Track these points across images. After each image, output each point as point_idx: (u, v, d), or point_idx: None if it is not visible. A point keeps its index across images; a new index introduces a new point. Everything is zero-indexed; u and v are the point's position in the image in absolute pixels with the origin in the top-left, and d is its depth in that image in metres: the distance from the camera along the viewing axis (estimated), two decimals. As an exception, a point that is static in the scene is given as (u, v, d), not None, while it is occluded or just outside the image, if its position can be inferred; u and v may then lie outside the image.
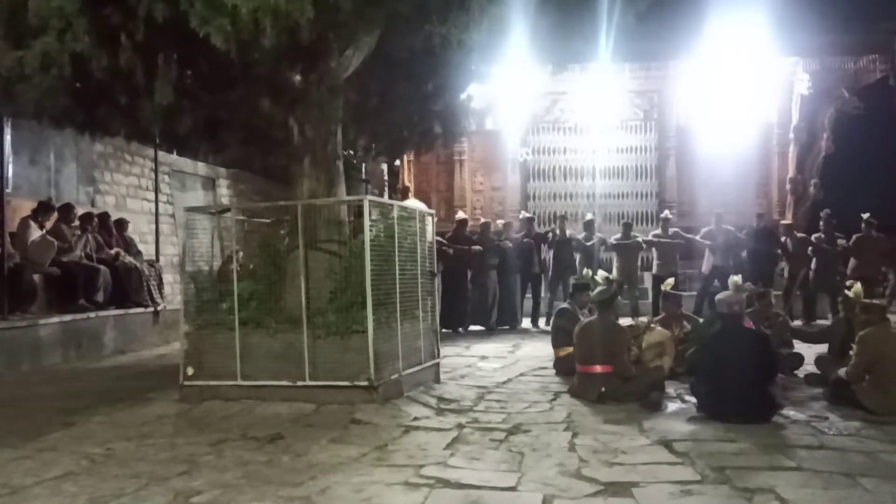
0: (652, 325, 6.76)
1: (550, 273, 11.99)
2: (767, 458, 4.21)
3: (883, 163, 15.11)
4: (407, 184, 15.68)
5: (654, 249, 12.00)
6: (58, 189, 9.84)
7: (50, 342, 8.09)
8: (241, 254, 6.27)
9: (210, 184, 13.50)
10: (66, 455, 4.37)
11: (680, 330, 7.14)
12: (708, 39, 12.61)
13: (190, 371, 5.77)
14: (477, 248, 11.10)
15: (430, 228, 6.69)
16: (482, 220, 12.76)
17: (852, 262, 11.61)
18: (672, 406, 5.68)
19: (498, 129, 15.10)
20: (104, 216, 10.06)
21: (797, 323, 10.50)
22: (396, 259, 5.87)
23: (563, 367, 6.95)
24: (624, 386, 5.78)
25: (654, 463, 4.11)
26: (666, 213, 12.85)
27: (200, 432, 4.89)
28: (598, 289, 6.25)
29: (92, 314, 8.78)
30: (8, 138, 8.51)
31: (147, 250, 10.99)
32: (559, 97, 15.53)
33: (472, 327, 11.39)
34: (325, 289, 5.84)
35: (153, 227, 11.42)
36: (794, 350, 7.21)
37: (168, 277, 11.02)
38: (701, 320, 7.54)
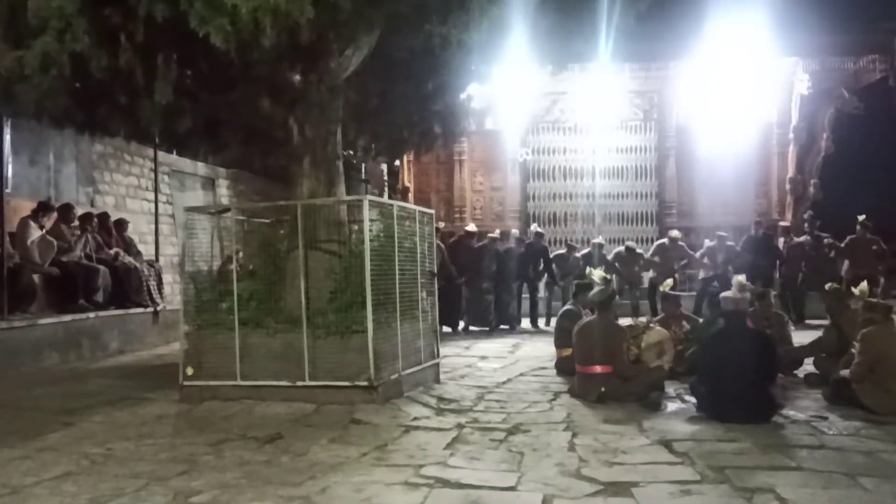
0: (651, 325, 6.76)
1: (546, 278, 12.02)
2: (767, 458, 4.21)
3: (883, 163, 15.08)
4: (407, 184, 15.70)
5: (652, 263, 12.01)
6: (57, 189, 9.83)
7: (49, 342, 8.08)
8: (240, 254, 6.27)
9: (210, 184, 13.49)
10: (65, 455, 4.37)
11: (679, 330, 7.15)
12: (708, 40, 12.62)
13: (190, 371, 5.77)
14: (461, 280, 11.05)
15: (429, 229, 6.69)
16: (483, 230, 12.72)
17: (847, 263, 11.72)
18: (672, 406, 5.68)
19: (498, 129, 15.11)
20: (104, 216, 10.05)
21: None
22: (396, 259, 5.87)
23: (564, 367, 6.95)
24: (624, 386, 5.78)
25: (653, 463, 4.11)
26: (672, 233, 12.45)
27: (200, 432, 4.89)
28: (597, 289, 6.25)
29: (91, 314, 8.77)
30: (8, 138, 8.50)
31: (147, 250, 10.98)
32: (559, 97, 15.53)
33: (472, 327, 11.40)
34: (325, 289, 5.84)
35: (153, 227, 11.41)
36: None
37: (168, 277, 11.01)
38: (701, 320, 7.55)
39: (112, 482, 3.83)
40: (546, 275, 11.97)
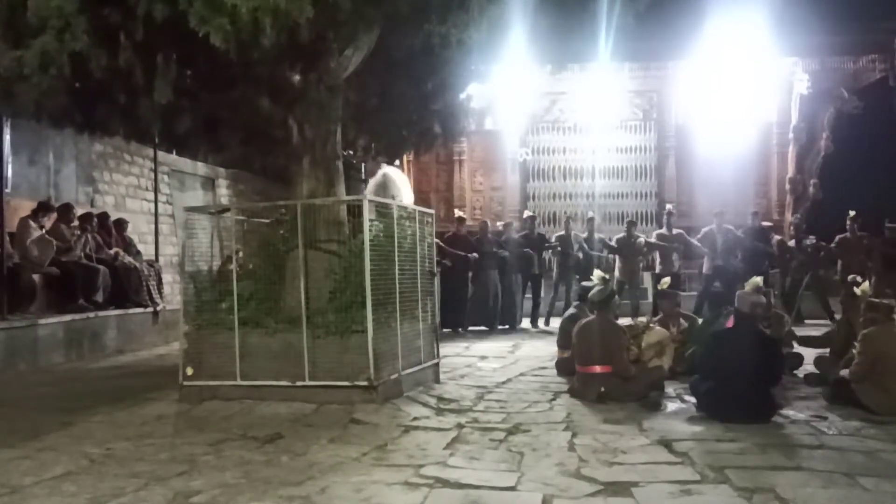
0: (651, 325, 6.76)
1: (555, 274, 12.03)
2: (767, 457, 4.21)
3: (882, 162, 15.08)
4: (406, 184, 15.69)
5: (656, 251, 12.04)
6: (57, 189, 9.83)
7: (49, 342, 8.09)
8: (240, 254, 6.27)
9: (209, 184, 13.50)
10: (65, 455, 4.37)
11: (677, 329, 7.14)
12: (707, 39, 12.62)
13: (189, 371, 5.77)
14: (474, 255, 11.15)
15: (428, 229, 6.69)
16: (482, 219, 12.81)
17: (840, 262, 11.84)
18: (672, 406, 5.68)
19: (497, 128, 15.11)
20: (103, 216, 10.06)
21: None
22: (396, 259, 5.86)
23: (564, 367, 6.95)
24: (623, 386, 5.78)
25: (653, 463, 4.11)
26: (669, 207, 12.87)
27: (200, 432, 4.89)
28: (596, 289, 6.25)
29: (91, 314, 8.78)
30: (7, 138, 8.50)
31: (146, 250, 10.98)
32: (559, 97, 15.53)
33: (472, 327, 11.40)
34: (325, 288, 5.83)
35: (152, 227, 11.42)
36: (794, 350, 7.21)
37: (168, 277, 11.02)
38: (700, 320, 7.55)
39: (112, 482, 3.82)
40: (554, 269, 11.97)
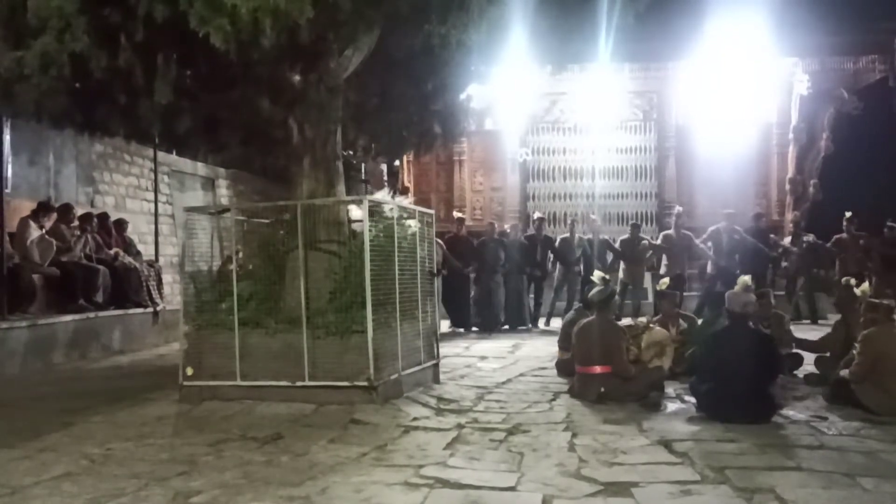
0: (651, 325, 6.76)
1: (557, 275, 12.05)
2: (767, 458, 4.21)
3: (882, 163, 15.10)
4: (406, 184, 15.70)
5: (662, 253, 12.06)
6: (57, 189, 9.84)
7: (49, 342, 8.09)
8: (240, 254, 6.27)
9: (209, 184, 13.50)
10: (65, 455, 4.37)
11: (677, 329, 7.14)
12: (707, 40, 12.63)
13: (189, 371, 5.77)
14: (470, 270, 11.17)
15: (429, 229, 6.69)
16: (489, 222, 12.82)
17: (838, 262, 11.90)
18: (671, 406, 5.68)
19: (497, 129, 15.10)
20: (103, 216, 10.06)
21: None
22: (396, 259, 5.86)
23: (564, 367, 6.95)
24: (623, 386, 5.78)
25: (653, 463, 4.11)
26: (678, 209, 12.85)
27: (200, 432, 4.89)
28: (596, 289, 6.25)
29: (91, 314, 8.78)
30: (7, 138, 8.51)
31: (146, 250, 10.99)
32: (559, 97, 15.53)
33: (474, 328, 11.42)
34: (325, 289, 5.83)
35: (152, 227, 11.42)
36: (794, 350, 7.21)
37: (168, 277, 11.02)
38: (700, 320, 7.54)
39: (112, 482, 3.83)
40: (559, 268, 12.01)
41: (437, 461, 4.15)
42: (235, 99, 6.33)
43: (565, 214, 15.36)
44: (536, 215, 12.82)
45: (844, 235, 11.87)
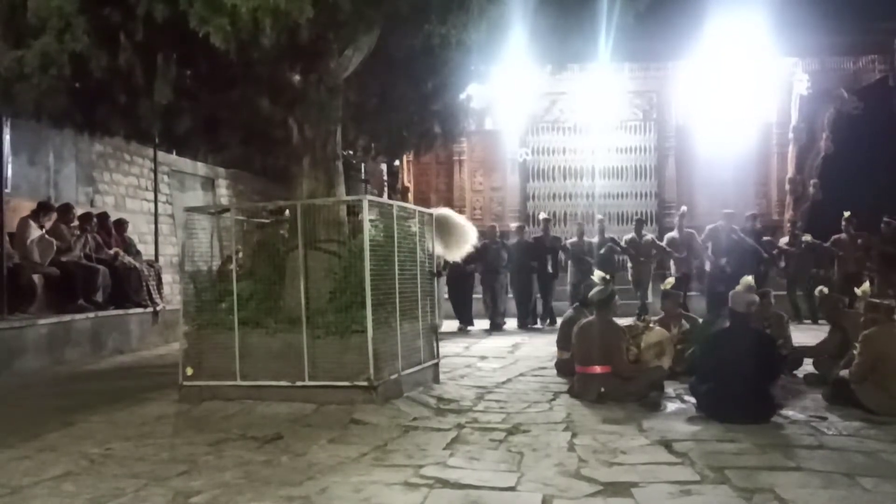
0: (651, 325, 6.76)
1: (570, 277, 12.05)
2: (767, 458, 4.21)
3: (882, 162, 15.07)
4: (406, 184, 15.71)
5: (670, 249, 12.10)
6: (57, 189, 9.83)
7: (49, 342, 8.09)
8: (240, 254, 6.27)
9: (209, 184, 13.50)
10: (65, 455, 4.37)
11: (679, 330, 7.14)
12: (707, 39, 12.62)
13: (189, 371, 5.77)
14: (472, 267, 11.17)
15: (428, 229, 6.69)
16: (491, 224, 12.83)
17: (836, 262, 11.93)
18: (671, 406, 5.68)
19: (497, 129, 15.11)
20: (103, 216, 10.06)
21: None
22: (396, 259, 5.86)
23: (564, 367, 6.95)
24: (623, 386, 5.78)
25: (653, 463, 4.11)
26: (683, 209, 12.88)
27: (200, 432, 4.89)
28: (596, 289, 6.25)
29: (91, 314, 8.78)
30: (7, 138, 8.51)
31: (146, 250, 10.99)
32: (558, 97, 15.53)
33: (472, 327, 11.43)
34: (325, 289, 5.83)
35: (152, 227, 11.42)
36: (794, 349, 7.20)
37: (167, 277, 11.02)
38: (701, 320, 7.54)
39: (112, 482, 3.83)
40: (571, 270, 12.04)
41: (436, 461, 4.15)
42: (235, 99, 6.33)
43: (565, 214, 15.38)
44: (542, 216, 12.80)
45: (843, 235, 11.89)
